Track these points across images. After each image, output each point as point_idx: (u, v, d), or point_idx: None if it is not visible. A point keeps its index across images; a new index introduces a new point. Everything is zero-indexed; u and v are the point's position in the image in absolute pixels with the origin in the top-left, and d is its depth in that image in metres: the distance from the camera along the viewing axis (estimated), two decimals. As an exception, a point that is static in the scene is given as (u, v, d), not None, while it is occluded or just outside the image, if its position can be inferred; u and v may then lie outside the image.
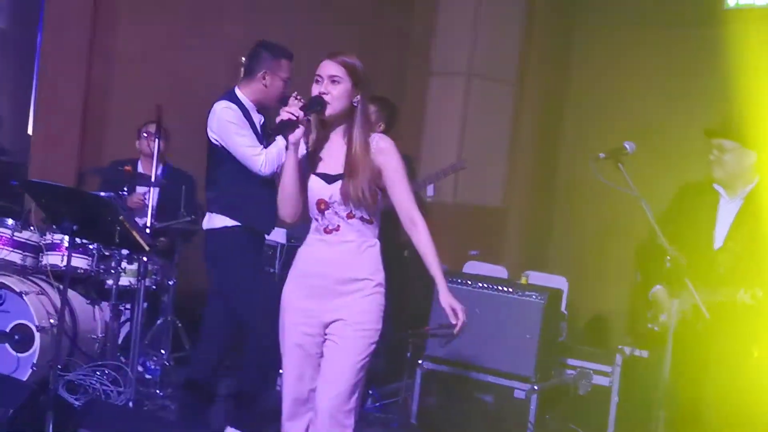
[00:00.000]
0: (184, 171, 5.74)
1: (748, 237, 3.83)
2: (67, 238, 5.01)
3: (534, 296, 4.99)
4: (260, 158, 4.14)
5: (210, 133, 4.26)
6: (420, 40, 7.98)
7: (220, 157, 4.22)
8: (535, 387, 4.86)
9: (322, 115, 3.15)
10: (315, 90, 3.16)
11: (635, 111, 7.36)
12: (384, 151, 3.18)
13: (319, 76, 3.18)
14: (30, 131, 6.07)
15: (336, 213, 3.16)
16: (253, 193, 4.17)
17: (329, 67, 3.17)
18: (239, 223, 4.18)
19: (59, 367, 4.77)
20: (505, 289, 5.11)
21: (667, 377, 3.70)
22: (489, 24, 7.70)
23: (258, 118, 4.35)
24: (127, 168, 5.12)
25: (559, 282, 5.87)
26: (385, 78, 7.57)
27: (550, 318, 5.02)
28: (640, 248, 4.27)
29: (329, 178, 3.17)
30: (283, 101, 3.55)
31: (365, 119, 3.20)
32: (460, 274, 5.47)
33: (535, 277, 6.03)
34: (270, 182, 4.13)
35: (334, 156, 3.19)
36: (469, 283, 5.15)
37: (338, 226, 3.16)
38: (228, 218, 4.18)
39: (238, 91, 4.35)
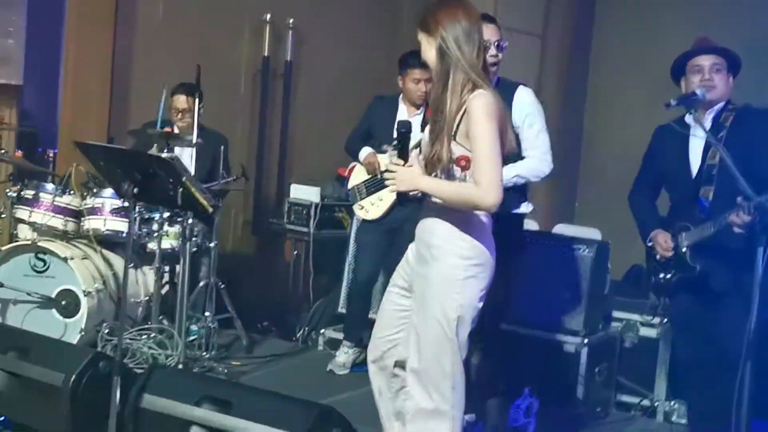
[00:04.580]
0: (219, 132, 5.67)
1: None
2: (108, 202, 5.00)
3: (582, 249, 4.94)
4: None
5: None
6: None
7: None
8: (585, 341, 4.84)
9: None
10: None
11: (661, 65, 7.27)
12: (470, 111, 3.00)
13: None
14: (59, 97, 5.99)
15: None
16: None
17: (419, 35, 3.11)
18: None
19: (106, 331, 4.79)
20: (551, 241, 5.07)
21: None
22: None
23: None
24: (168, 129, 5.04)
25: (592, 234, 5.80)
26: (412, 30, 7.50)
27: (598, 271, 4.98)
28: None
29: None
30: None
31: (465, 74, 3.04)
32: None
33: (567, 230, 5.99)
34: None
35: None
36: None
37: None
38: None
39: None
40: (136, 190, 3.37)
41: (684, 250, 3.85)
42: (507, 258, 3.39)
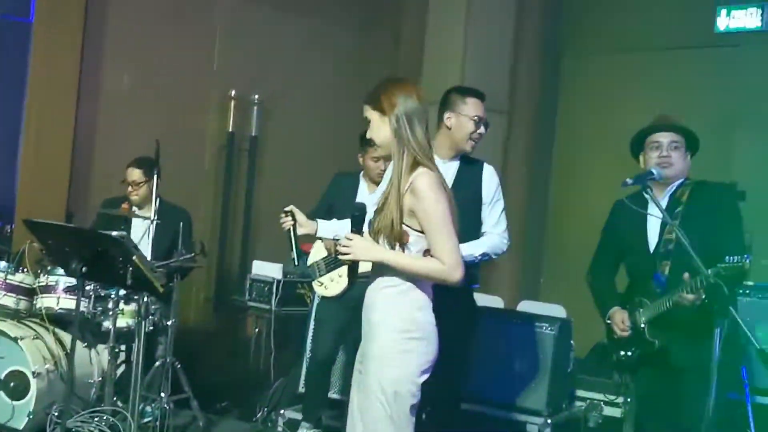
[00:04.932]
0: (180, 207, 5.61)
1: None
2: (62, 280, 4.89)
3: (545, 327, 4.90)
4: None
5: None
6: (408, 72, 7.94)
7: None
8: (548, 420, 4.76)
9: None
10: (369, 133, 3.14)
11: (625, 137, 7.34)
12: (416, 190, 2.98)
13: None
14: (17, 171, 5.93)
15: None
16: None
17: (365, 111, 3.13)
18: None
19: (55, 414, 4.64)
20: (514, 320, 5.02)
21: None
22: (477, 53, 7.67)
23: (444, 168, 3.94)
24: (125, 206, 4.98)
25: (556, 311, 5.78)
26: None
27: (561, 349, 4.93)
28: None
29: None
30: None
31: (410, 153, 3.04)
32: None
33: (532, 306, 5.96)
34: None
35: None
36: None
37: None
38: None
39: None
40: (84, 269, 3.29)
41: (642, 326, 3.82)
42: (460, 332, 3.33)
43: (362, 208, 3.12)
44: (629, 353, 3.90)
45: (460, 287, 3.80)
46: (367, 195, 5.08)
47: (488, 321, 5.02)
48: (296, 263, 3.17)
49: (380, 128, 3.09)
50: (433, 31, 7.84)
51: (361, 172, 5.11)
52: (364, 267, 3.16)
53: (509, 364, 4.91)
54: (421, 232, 3.00)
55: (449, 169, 4.11)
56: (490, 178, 4.17)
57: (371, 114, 3.11)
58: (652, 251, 3.85)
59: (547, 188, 8.31)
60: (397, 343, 3.00)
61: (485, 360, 4.68)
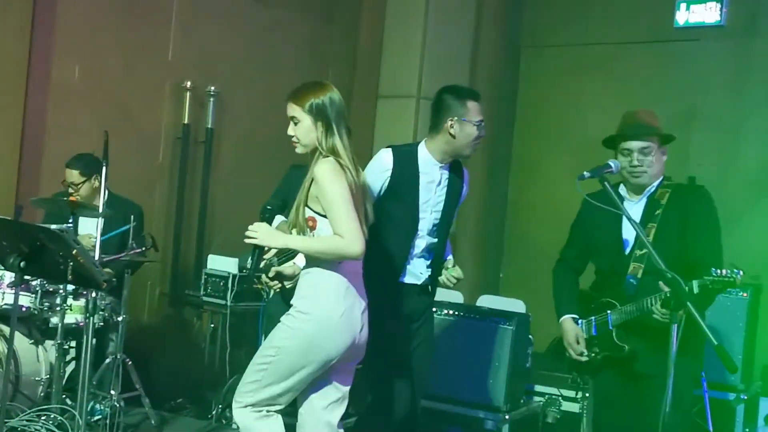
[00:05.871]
0: (131, 200, 5.48)
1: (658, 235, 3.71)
2: (8, 274, 4.74)
3: (502, 322, 4.85)
4: None
5: None
6: (366, 64, 7.86)
7: None
8: (506, 416, 4.71)
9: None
10: (290, 131, 3.36)
11: (583, 130, 7.34)
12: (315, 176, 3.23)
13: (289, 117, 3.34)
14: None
15: None
16: None
17: (288, 109, 3.35)
18: None
19: None
20: (471, 315, 4.96)
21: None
22: (437, 45, 7.62)
23: (439, 174, 4.03)
24: (73, 198, 4.84)
25: (516, 305, 5.75)
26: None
27: (518, 344, 4.88)
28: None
29: None
30: None
31: (317, 148, 3.29)
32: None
33: (491, 301, 5.91)
34: None
35: None
36: (434, 309, 4.97)
37: None
38: None
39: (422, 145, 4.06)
40: (23, 263, 3.16)
41: (611, 328, 3.75)
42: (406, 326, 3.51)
43: (272, 209, 3.49)
44: (593, 354, 3.84)
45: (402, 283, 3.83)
46: None
47: (447, 316, 4.96)
48: (251, 271, 3.24)
49: (299, 122, 3.34)
50: (393, 22, 7.77)
51: None
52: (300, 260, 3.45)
53: (468, 360, 4.85)
54: (326, 216, 3.20)
55: (443, 176, 4.03)
56: (467, 180, 4.17)
57: (294, 109, 3.35)
58: (627, 252, 3.77)
59: (506, 181, 8.28)
60: (294, 321, 3.28)
61: (444, 356, 4.60)
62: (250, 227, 3.23)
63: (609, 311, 3.77)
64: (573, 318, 3.87)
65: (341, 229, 3.15)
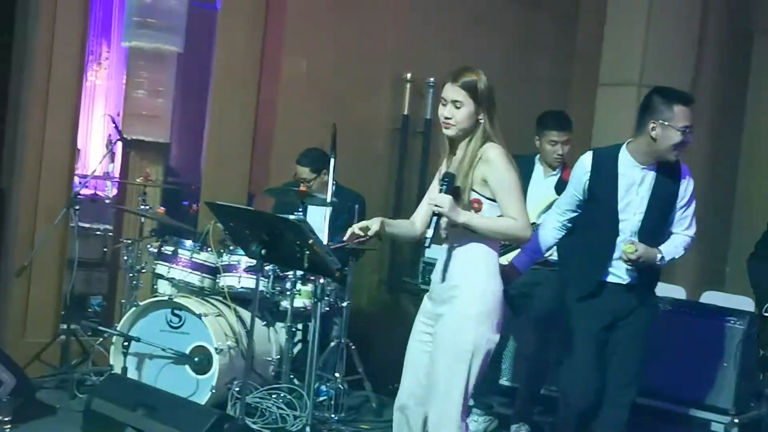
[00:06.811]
0: (353, 190, 5.68)
1: None
2: (243, 259, 5.05)
3: (733, 320, 4.63)
4: None
5: None
6: (587, 51, 7.71)
7: None
8: (735, 420, 4.51)
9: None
10: (441, 111, 3.28)
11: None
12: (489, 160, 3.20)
13: (443, 99, 3.28)
14: (203, 154, 6.16)
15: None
16: None
17: (451, 92, 3.25)
18: None
19: (236, 389, 4.80)
20: (695, 312, 4.78)
21: None
22: (661, 33, 7.35)
23: (641, 176, 3.94)
24: (303, 188, 5.08)
25: (742, 303, 5.47)
26: (548, 89, 7.38)
27: (749, 344, 4.65)
28: None
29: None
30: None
31: (484, 133, 3.25)
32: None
33: (715, 298, 5.67)
34: None
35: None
36: (659, 306, 4.82)
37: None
38: None
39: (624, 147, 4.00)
40: (263, 251, 3.36)
41: None
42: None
43: (451, 177, 3.22)
44: None
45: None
46: (543, 178, 4.96)
47: (670, 312, 4.81)
48: (427, 245, 3.21)
49: (463, 107, 3.24)
50: (615, 7, 7.57)
51: (537, 156, 5.00)
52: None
53: (692, 359, 4.67)
54: (493, 200, 3.20)
55: (646, 177, 3.92)
56: (687, 183, 4.00)
57: (459, 93, 3.23)
58: None
59: (735, 173, 7.87)
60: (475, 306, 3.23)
61: (665, 353, 4.46)
62: (435, 197, 3.22)
63: None
64: None
65: (514, 213, 3.19)
